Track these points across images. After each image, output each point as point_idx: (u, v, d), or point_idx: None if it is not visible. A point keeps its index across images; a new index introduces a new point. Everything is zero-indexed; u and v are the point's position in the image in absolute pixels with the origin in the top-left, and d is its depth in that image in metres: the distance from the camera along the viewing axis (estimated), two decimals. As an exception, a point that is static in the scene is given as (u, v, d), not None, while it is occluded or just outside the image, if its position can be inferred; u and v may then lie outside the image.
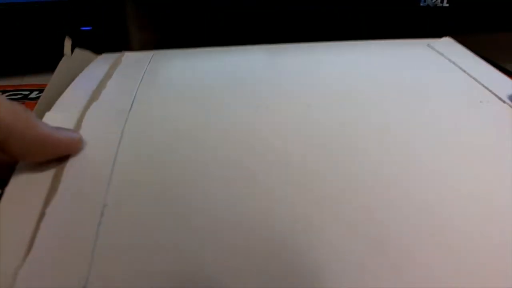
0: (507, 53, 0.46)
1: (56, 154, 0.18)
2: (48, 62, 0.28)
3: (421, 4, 0.39)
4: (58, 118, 0.20)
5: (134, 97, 0.23)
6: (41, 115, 0.20)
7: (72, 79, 0.25)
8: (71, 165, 0.18)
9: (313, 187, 0.17)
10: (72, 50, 0.28)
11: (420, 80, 0.26)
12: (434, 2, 0.39)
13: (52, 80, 0.25)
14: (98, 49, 0.30)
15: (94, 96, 0.23)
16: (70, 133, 0.19)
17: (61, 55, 0.32)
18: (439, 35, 0.51)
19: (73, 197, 0.17)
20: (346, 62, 0.28)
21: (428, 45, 0.31)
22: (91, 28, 0.36)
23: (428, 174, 0.18)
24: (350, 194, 0.17)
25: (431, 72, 0.27)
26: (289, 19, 0.42)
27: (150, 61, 0.27)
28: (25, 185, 0.17)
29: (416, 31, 0.49)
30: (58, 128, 0.18)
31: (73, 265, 0.14)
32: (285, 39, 0.35)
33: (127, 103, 0.22)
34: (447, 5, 0.39)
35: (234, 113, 0.22)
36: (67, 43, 0.28)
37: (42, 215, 0.16)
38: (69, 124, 0.20)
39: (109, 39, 0.31)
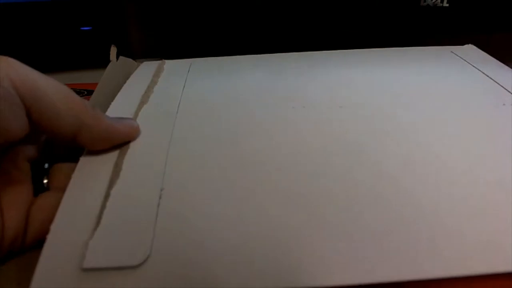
0: (507, 53, 0.46)
1: (120, 141, 0.21)
2: (47, 62, 0.28)
3: (421, 4, 0.39)
4: (113, 115, 0.23)
5: (180, 101, 0.26)
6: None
7: (117, 84, 0.28)
8: (130, 154, 0.21)
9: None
10: (117, 57, 0.31)
11: (446, 84, 0.27)
12: (434, 2, 0.39)
13: (100, 84, 0.27)
14: (98, 49, 0.30)
15: (144, 100, 0.26)
16: (129, 121, 0.22)
17: (61, 55, 0.32)
18: (439, 35, 0.51)
19: (134, 181, 0.19)
20: (377, 69, 0.30)
21: (452, 52, 0.33)
22: (91, 28, 0.36)
23: (453, 173, 0.19)
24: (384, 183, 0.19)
25: (456, 78, 0.28)
26: (288, 17, 0.41)
27: (189, 68, 0.30)
28: (91, 170, 0.20)
29: (416, 31, 0.49)
30: (118, 119, 0.21)
31: (137, 239, 0.16)
32: (286, 38, 0.35)
33: (174, 106, 0.25)
34: (447, 5, 0.39)
35: (274, 112, 0.25)
36: (113, 50, 0.31)
37: (107, 195, 0.18)
38: None
39: (109, 39, 0.31)
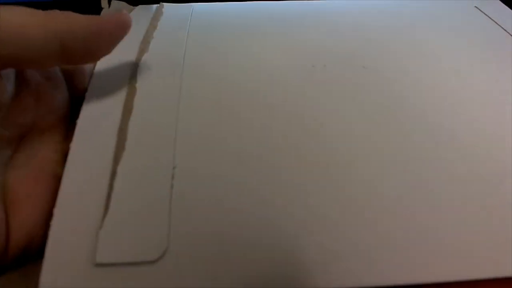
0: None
1: (115, 38, 0.17)
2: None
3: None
4: (110, 68, 0.20)
5: (185, 49, 0.23)
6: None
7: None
8: (136, 116, 0.18)
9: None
10: (109, 4, 0.28)
11: (465, 38, 0.25)
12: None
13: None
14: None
15: (144, 47, 0.22)
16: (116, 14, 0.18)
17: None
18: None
19: (142, 154, 0.17)
20: (397, 22, 0.27)
21: (475, 7, 0.29)
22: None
23: (472, 123, 0.19)
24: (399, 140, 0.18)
25: (477, 33, 0.26)
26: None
27: (191, 12, 0.27)
28: (91, 138, 0.17)
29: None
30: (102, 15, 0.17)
31: (152, 229, 0.14)
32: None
33: (179, 55, 0.22)
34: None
35: (292, 69, 0.22)
36: None
37: (113, 173, 0.16)
38: (124, 74, 0.20)
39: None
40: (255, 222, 0.15)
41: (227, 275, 0.14)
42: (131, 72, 0.21)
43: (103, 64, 0.21)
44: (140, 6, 0.28)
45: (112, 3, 0.28)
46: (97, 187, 0.16)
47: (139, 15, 0.26)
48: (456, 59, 0.23)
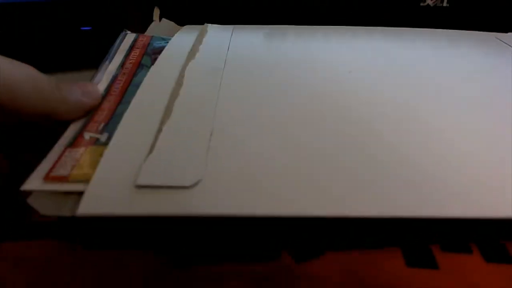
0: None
1: (88, 110, 0.22)
2: (47, 62, 0.28)
3: (421, 4, 0.39)
4: (162, 71, 0.25)
5: (226, 58, 0.27)
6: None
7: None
8: (181, 99, 0.22)
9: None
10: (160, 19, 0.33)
11: (496, 71, 0.28)
12: (434, 2, 0.39)
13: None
14: (98, 49, 0.30)
15: (190, 57, 0.27)
16: (93, 92, 0.22)
17: (60, 55, 0.32)
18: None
19: (185, 120, 0.20)
20: (421, 49, 0.31)
21: (496, 38, 0.33)
22: (91, 28, 0.36)
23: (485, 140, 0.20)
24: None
25: (501, 61, 0.29)
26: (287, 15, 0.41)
27: (232, 32, 0.32)
28: (142, 110, 0.21)
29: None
30: (83, 88, 0.22)
31: (190, 163, 0.17)
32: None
33: (220, 63, 0.26)
34: (447, 5, 0.39)
35: (323, 75, 0.26)
36: (156, 11, 0.33)
37: (159, 130, 0.19)
38: (172, 75, 0.25)
39: (109, 39, 0.31)
40: (277, 165, 0.18)
41: (250, 204, 0.16)
42: (179, 72, 0.25)
43: (155, 67, 0.25)
44: (187, 26, 0.33)
45: (162, 20, 0.33)
46: (145, 136, 0.19)
47: (187, 33, 0.31)
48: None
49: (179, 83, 0.24)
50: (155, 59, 0.27)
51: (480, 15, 0.44)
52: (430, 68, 0.28)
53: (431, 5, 0.39)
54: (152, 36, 0.30)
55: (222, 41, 0.30)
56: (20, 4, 0.36)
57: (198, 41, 0.29)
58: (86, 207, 0.15)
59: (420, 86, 0.25)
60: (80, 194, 0.16)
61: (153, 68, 0.26)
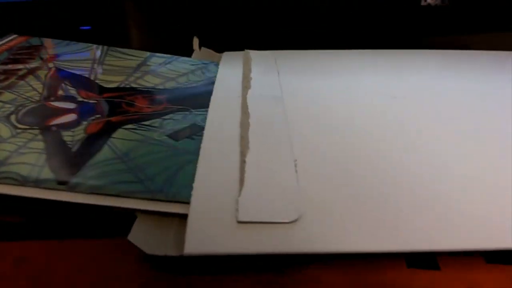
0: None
1: None
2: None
3: (422, 3, 0.39)
4: (223, 102, 0.26)
5: (280, 86, 0.28)
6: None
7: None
8: (253, 129, 0.22)
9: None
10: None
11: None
12: (435, 1, 0.39)
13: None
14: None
15: (246, 85, 0.27)
16: None
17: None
18: (440, 34, 0.51)
19: (265, 151, 0.21)
20: (450, 72, 0.32)
21: None
22: (90, 27, 0.36)
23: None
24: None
25: None
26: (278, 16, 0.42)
27: (275, 59, 0.32)
28: (217, 140, 0.22)
29: (417, 30, 0.49)
30: None
31: (286, 198, 0.18)
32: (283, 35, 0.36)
33: (277, 91, 0.27)
34: (448, 5, 0.39)
35: (373, 101, 0.27)
36: (196, 41, 0.34)
37: (242, 162, 0.20)
38: (235, 105, 0.25)
39: (109, 39, 0.31)
40: (368, 195, 0.18)
41: (352, 238, 0.16)
42: (240, 102, 0.25)
43: (217, 98, 0.26)
44: (226, 53, 0.34)
45: (202, 49, 0.34)
46: (229, 170, 0.19)
47: (230, 60, 0.32)
48: None
49: (245, 113, 0.24)
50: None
51: (480, 14, 0.44)
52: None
53: (432, 5, 0.39)
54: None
55: (269, 68, 0.31)
56: (20, 4, 0.35)
57: (247, 69, 0.30)
58: (192, 247, 0.16)
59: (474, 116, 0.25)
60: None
61: (213, 99, 0.26)
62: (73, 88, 0.27)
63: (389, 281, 0.17)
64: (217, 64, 0.32)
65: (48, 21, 0.36)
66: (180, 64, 0.31)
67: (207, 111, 0.25)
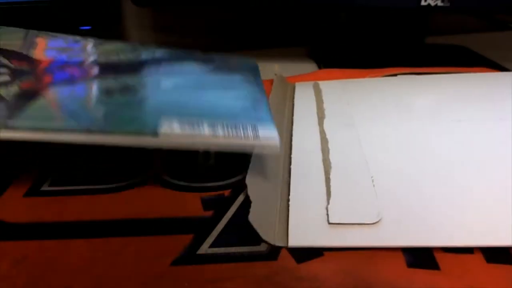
0: (507, 53, 0.46)
1: None
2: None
3: (421, 4, 0.39)
4: (304, 131, 0.29)
5: (352, 115, 0.31)
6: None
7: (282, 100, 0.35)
8: (333, 153, 0.26)
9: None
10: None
11: None
12: (435, 1, 0.39)
13: (272, 96, 0.33)
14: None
15: (321, 115, 0.31)
16: None
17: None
18: (440, 35, 0.51)
19: (345, 170, 0.24)
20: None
21: None
22: (90, 27, 0.36)
23: None
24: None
25: None
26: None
27: (343, 87, 0.36)
28: (305, 164, 0.25)
29: (416, 30, 0.49)
30: None
31: (368, 203, 0.21)
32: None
33: (350, 119, 0.30)
34: (448, 4, 0.39)
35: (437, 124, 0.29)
36: (277, 67, 0.38)
37: (328, 180, 0.23)
38: (313, 133, 0.29)
39: (108, 38, 0.31)
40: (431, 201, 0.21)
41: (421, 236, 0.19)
42: (319, 131, 0.29)
43: (298, 128, 0.30)
44: (298, 84, 0.37)
45: (279, 75, 0.37)
46: (318, 185, 0.23)
47: (303, 91, 0.36)
48: None
49: (324, 139, 0.28)
50: None
51: (480, 14, 0.44)
52: None
53: (432, 5, 0.39)
54: None
55: (338, 97, 0.34)
56: (20, 4, 0.35)
57: (320, 100, 0.34)
58: (296, 240, 0.19)
59: None
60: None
61: (295, 128, 0.30)
62: (6, 59, 0.29)
63: (389, 281, 0.17)
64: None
65: (48, 22, 0.36)
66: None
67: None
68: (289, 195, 0.22)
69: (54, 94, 0.24)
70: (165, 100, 0.25)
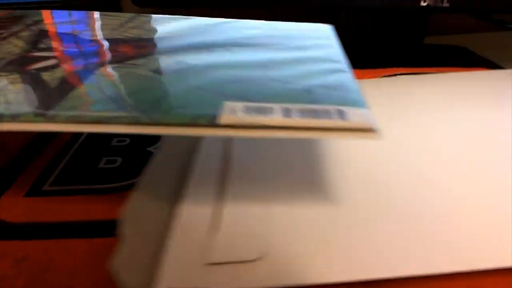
0: (507, 53, 0.46)
1: None
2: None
3: (421, 4, 0.39)
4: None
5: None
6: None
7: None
8: (235, 174, 0.23)
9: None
10: None
11: None
12: (434, 2, 0.39)
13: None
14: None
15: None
16: None
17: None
18: (439, 35, 0.51)
19: (242, 196, 0.21)
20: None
21: None
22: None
23: None
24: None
25: None
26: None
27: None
28: (200, 188, 0.22)
29: (416, 30, 0.49)
30: None
31: (252, 239, 0.18)
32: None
33: None
34: (447, 5, 0.39)
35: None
36: None
37: (219, 210, 0.20)
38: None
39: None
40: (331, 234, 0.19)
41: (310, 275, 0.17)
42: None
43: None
44: None
45: None
46: (205, 216, 0.20)
47: None
48: None
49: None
50: None
51: (480, 15, 0.44)
52: None
53: (431, 5, 0.39)
54: None
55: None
56: (19, 6, 0.35)
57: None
58: (167, 282, 0.16)
59: None
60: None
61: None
62: (55, 42, 0.27)
63: (386, 281, 0.17)
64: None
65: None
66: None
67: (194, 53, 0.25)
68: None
69: (104, 78, 0.21)
70: (225, 80, 0.21)
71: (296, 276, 0.17)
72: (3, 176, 0.25)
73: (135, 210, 0.21)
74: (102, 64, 0.23)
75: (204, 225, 0.19)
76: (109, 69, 0.23)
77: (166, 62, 0.24)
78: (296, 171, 0.23)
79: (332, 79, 0.21)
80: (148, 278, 0.17)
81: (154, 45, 0.27)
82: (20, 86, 0.21)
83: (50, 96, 0.19)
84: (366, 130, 0.17)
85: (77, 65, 0.23)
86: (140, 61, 0.24)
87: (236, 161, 0.24)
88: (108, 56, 0.25)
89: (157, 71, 0.22)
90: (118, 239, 0.19)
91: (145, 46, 0.27)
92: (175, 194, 0.22)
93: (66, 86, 0.20)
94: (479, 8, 0.40)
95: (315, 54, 0.25)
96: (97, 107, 0.18)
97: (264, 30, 0.30)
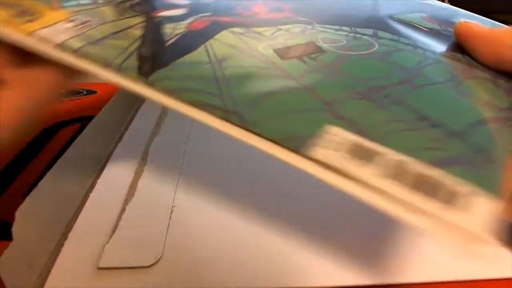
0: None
1: None
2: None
3: (421, 4, 0.39)
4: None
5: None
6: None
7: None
8: (145, 177, 0.25)
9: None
10: None
11: None
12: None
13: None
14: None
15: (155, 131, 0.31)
16: None
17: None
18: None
19: (147, 199, 0.23)
20: None
21: None
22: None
23: None
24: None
25: None
26: None
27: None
28: (108, 190, 0.23)
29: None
30: None
31: (149, 243, 0.19)
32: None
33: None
34: (447, 4, 0.39)
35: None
36: None
37: (123, 210, 0.22)
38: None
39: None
40: (233, 243, 0.20)
41: (208, 279, 0.18)
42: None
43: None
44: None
45: None
46: (108, 218, 0.21)
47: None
48: None
49: (144, 160, 0.27)
50: None
51: (480, 14, 0.44)
52: None
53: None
54: None
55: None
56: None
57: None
58: (54, 283, 0.18)
59: None
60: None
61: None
62: None
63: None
64: None
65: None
66: None
67: (335, 29, 0.20)
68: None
69: (221, 48, 0.18)
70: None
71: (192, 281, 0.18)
72: (3, 176, 0.25)
73: (30, 211, 0.20)
74: (227, 26, 0.20)
75: (103, 228, 0.20)
76: (230, 34, 0.19)
77: (295, 39, 0.19)
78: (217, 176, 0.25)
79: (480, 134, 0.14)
80: (39, 279, 0.17)
81: (293, 9, 0.22)
82: (139, 32, 0.19)
83: (160, 55, 0.17)
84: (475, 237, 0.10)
85: (201, 19, 0.20)
86: (268, 31, 0.20)
87: (150, 162, 0.26)
88: (237, 16, 0.21)
89: (278, 52, 0.18)
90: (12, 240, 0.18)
91: (282, 9, 0.22)
92: (77, 195, 0.23)
93: (179, 48, 0.18)
94: (479, 8, 0.40)
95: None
96: (194, 85, 0.16)
97: None
